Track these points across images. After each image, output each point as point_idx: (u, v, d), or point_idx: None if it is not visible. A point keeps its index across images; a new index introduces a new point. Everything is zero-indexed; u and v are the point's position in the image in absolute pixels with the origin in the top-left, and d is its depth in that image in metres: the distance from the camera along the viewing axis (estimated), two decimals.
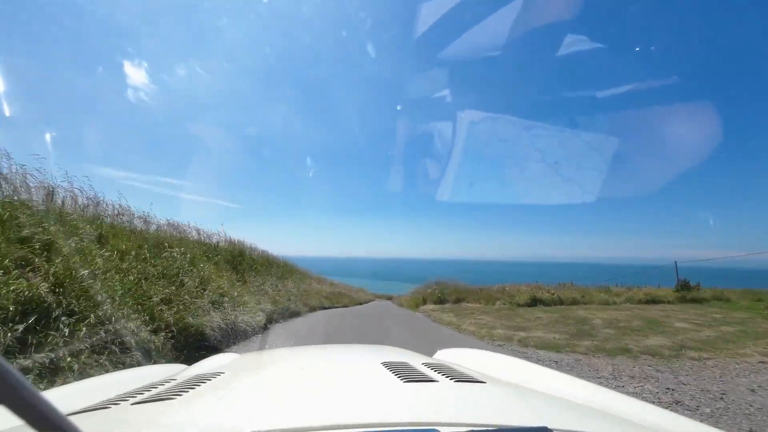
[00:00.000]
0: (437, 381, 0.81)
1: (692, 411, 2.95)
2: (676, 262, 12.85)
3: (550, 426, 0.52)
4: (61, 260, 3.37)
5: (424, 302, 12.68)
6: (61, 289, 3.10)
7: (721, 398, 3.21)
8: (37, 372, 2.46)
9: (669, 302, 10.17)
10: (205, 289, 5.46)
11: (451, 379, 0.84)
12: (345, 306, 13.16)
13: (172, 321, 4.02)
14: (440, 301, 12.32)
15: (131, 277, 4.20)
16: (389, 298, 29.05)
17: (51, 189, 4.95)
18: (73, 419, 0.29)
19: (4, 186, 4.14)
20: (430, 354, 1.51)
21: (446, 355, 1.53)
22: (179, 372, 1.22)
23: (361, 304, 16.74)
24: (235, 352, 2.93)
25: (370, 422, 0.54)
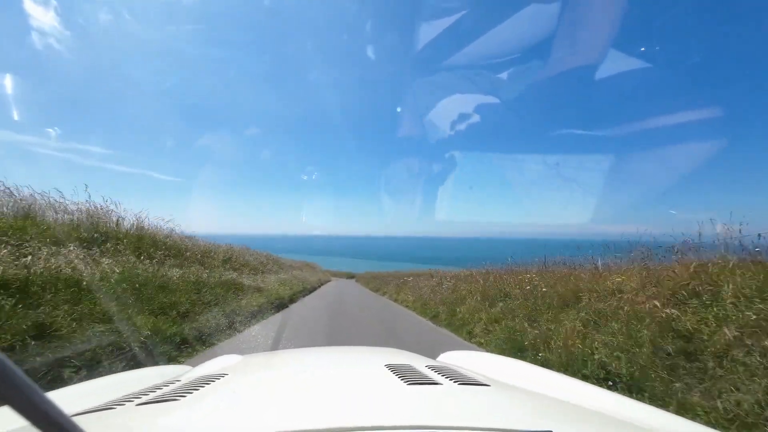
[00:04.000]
0: (441, 384, 0.81)
1: None
2: None
3: (555, 430, 0.53)
4: None
5: None
6: None
7: None
8: None
9: None
10: None
11: (455, 382, 0.83)
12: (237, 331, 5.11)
13: None
14: None
15: None
16: (351, 277, 25.71)
17: None
18: (78, 420, 0.30)
19: None
20: (434, 357, 1.50)
21: (450, 358, 1.52)
22: (184, 373, 1.23)
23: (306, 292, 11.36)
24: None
25: (372, 425, 0.54)
